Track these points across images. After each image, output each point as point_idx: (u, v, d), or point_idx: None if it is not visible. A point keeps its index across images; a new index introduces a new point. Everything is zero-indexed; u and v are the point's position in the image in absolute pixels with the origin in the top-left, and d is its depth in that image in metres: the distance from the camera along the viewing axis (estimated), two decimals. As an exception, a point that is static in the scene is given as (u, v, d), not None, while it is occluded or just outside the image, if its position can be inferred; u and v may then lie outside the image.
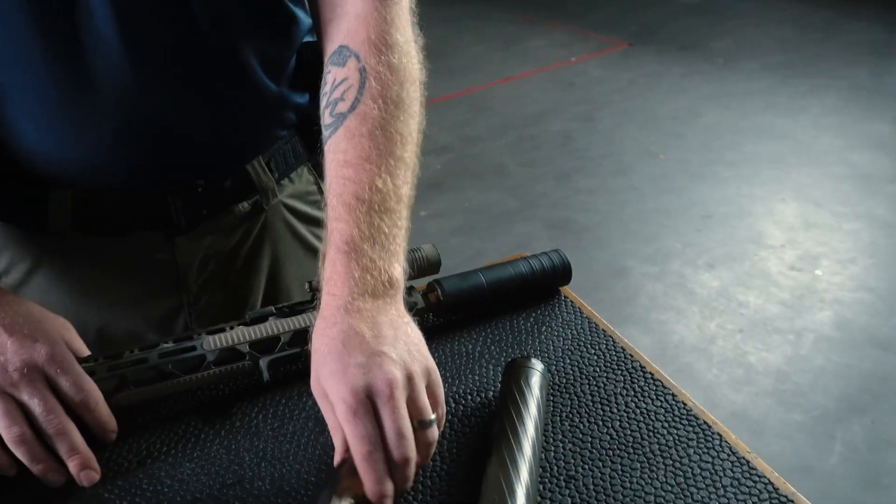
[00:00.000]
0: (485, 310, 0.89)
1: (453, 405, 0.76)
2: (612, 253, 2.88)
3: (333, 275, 0.66)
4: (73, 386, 0.67)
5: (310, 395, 0.69)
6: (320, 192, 0.99)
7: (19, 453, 0.64)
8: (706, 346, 2.39)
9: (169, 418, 0.76)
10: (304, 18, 0.89)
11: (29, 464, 0.65)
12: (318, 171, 0.99)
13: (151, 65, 0.75)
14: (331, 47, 0.77)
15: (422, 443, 0.62)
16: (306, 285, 0.82)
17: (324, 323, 0.64)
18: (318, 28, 0.82)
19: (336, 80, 0.75)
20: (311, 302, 0.81)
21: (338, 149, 0.72)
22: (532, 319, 0.88)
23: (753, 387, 2.23)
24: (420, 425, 0.61)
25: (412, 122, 0.75)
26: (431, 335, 0.85)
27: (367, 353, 0.60)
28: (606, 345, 0.84)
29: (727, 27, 5.53)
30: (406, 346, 0.63)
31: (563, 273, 0.91)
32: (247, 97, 0.84)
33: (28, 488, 0.67)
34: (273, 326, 0.79)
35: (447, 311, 0.86)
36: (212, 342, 0.76)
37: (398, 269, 0.68)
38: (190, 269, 0.90)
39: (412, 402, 0.61)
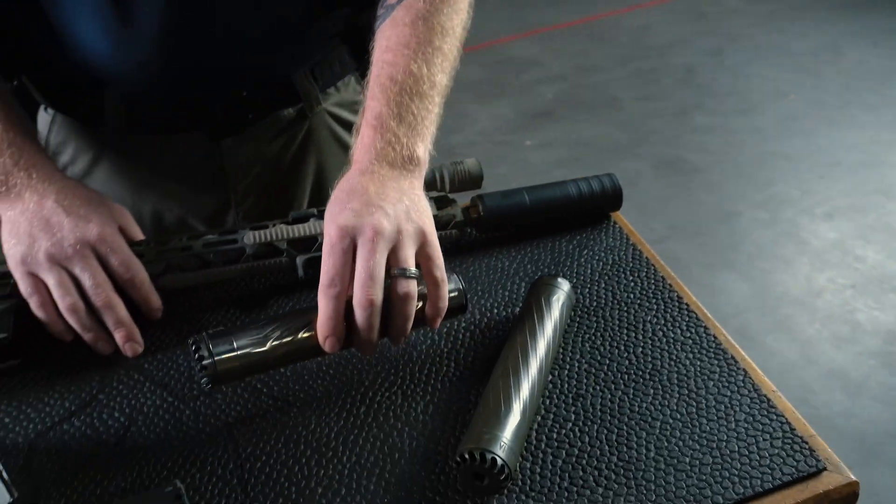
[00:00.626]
0: (527, 229, 0.89)
1: (478, 317, 0.78)
2: (721, 196, 2.77)
3: (360, 145, 0.72)
4: (122, 265, 0.73)
5: None
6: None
7: (72, 321, 0.72)
8: (811, 299, 2.29)
9: (209, 306, 0.82)
10: None
11: (80, 331, 0.72)
12: (362, 84, 1.01)
13: None
14: None
15: (397, 292, 0.64)
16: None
17: (341, 181, 0.70)
18: None
19: None
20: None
21: (382, 35, 0.79)
22: (575, 242, 0.88)
23: (858, 346, 2.12)
24: (399, 273, 0.64)
25: (455, 17, 0.81)
26: (469, 249, 0.87)
27: (364, 202, 0.66)
28: (647, 272, 0.83)
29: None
30: (406, 209, 0.67)
31: (613, 198, 0.90)
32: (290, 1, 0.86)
33: (82, 353, 0.74)
34: (313, 227, 0.82)
35: (487, 228, 0.87)
36: (252, 237, 0.81)
37: (422, 149, 0.73)
38: (235, 170, 0.95)
39: (394, 253, 0.65)
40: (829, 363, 2.07)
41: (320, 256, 0.80)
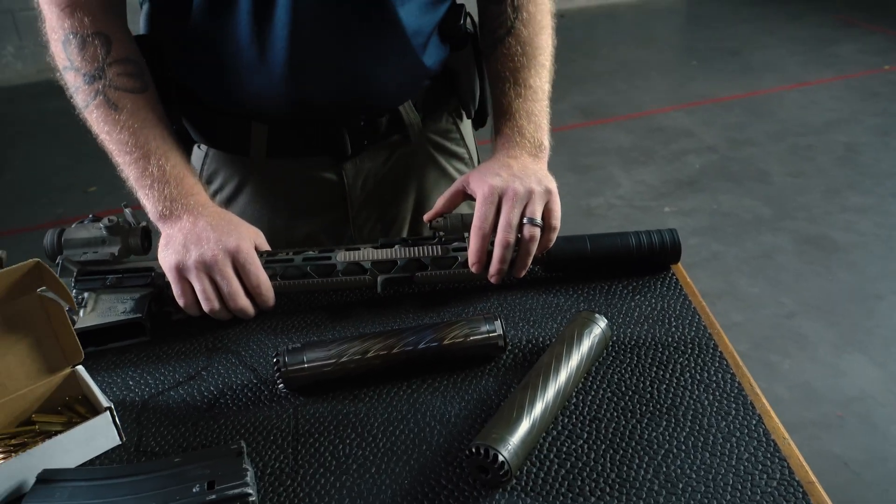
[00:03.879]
0: (588, 272, 0.95)
1: (524, 342, 0.85)
2: (862, 278, 2.61)
3: (503, 139, 0.97)
4: (252, 274, 0.88)
5: (404, 311, 0.91)
6: (458, 131, 1.15)
7: (210, 314, 0.88)
8: (948, 393, 2.10)
9: (302, 309, 0.94)
10: None
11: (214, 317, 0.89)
12: (456, 115, 1.14)
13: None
14: None
15: (526, 234, 0.87)
16: (428, 224, 0.96)
17: (491, 160, 0.95)
18: None
19: (503, 10, 1.02)
20: (432, 238, 0.94)
21: (501, 57, 1.01)
22: (630, 288, 0.92)
23: None
24: (529, 221, 0.86)
25: (547, 37, 1.04)
26: (531, 284, 0.94)
27: (509, 173, 0.89)
28: (691, 320, 0.86)
29: None
30: (538, 179, 0.89)
31: (672, 252, 0.94)
32: (401, 45, 0.99)
33: (195, 338, 0.90)
34: (395, 252, 0.93)
35: (551, 268, 0.94)
36: (344, 256, 0.93)
37: (546, 139, 0.98)
38: (353, 188, 1.09)
39: (527, 207, 0.87)
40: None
41: (398, 278, 0.92)
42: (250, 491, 0.65)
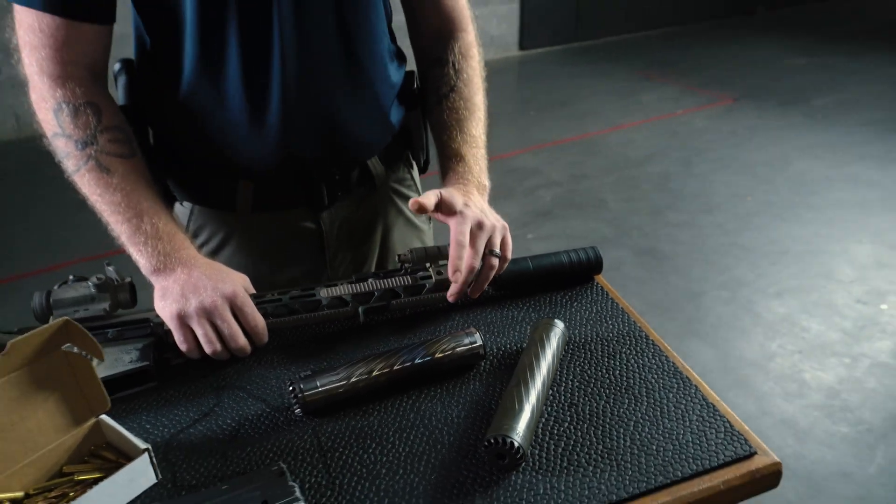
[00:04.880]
0: (532, 287, 1.01)
1: (495, 350, 0.89)
2: (689, 279, 2.87)
3: (454, 177, 1.00)
4: (249, 315, 0.86)
5: (385, 335, 0.89)
6: (412, 178, 1.18)
7: (212, 356, 0.86)
8: (765, 362, 2.35)
9: (294, 342, 0.93)
10: None
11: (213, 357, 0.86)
12: (408, 164, 1.18)
13: (312, 57, 0.93)
14: (443, 52, 1.08)
15: (487, 263, 0.91)
16: (396, 258, 0.99)
17: (454, 188, 0.97)
18: (424, 34, 1.10)
19: (446, 72, 1.07)
20: (399, 270, 0.97)
21: (446, 111, 1.06)
22: (567, 297, 0.99)
23: (805, 400, 2.17)
24: (491, 253, 0.90)
25: (482, 94, 1.10)
26: (488, 302, 0.99)
27: (475, 207, 0.93)
28: (622, 318, 0.94)
29: (831, 86, 5.28)
30: (495, 216, 0.94)
31: (596, 265, 1.02)
32: (373, 104, 1.02)
33: (201, 378, 0.87)
34: (370, 285, 0.95)
35: (501, 286, 1.00)
36: (326, 292, 0.94)
37: (486, 180, 1.02)
38: (330, 234, 1.09)
39: (490, 240, 0.91)
40: (780, 414, 2.12)
41: (377, 307, 0.94)
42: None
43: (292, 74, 0.92)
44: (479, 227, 0.89)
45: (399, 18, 1.11)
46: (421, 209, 0.88)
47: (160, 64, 0.97)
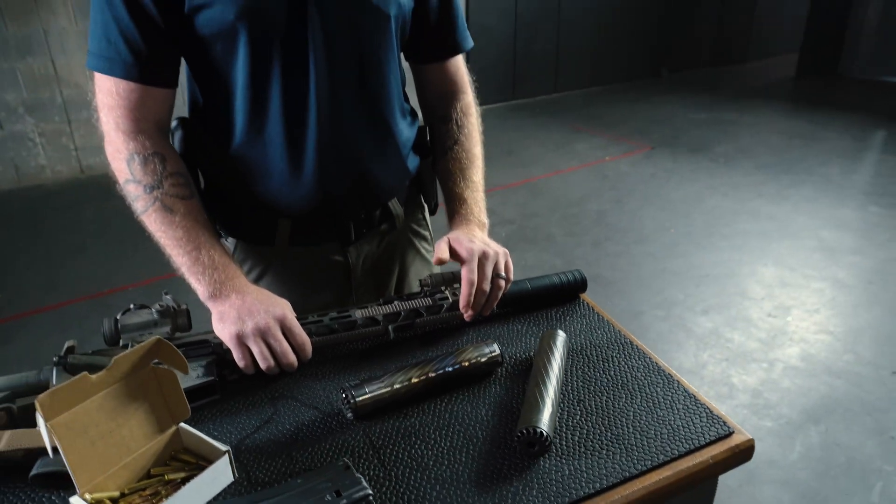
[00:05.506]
0: (530, 304, 1.07)
1: (508, 358, 0.93)
2: (630, 301, 2.98)
3: (461, 219, 1.05)
4: (297, 335, 0.88)
5: (412, 349, 0.92)
6: (424, 219, 1.23)
7: (266, 371, 0.87)
8: (699, 370, 2.45)
9: (333, 358, 0.96)
10: None
11: (266, 372, 0.88)
12: (421, 207, 1.22)
13: (342, 110, 0.97)
14: (447, 111, 1.14)
15: (495, 286, 0.95)
16: (418, 282, 1.03)
17: (458, 229, 1.03)
18: (431, 96, 1.16)
19: (450, 128, 1.13)
20: (420, 293, 1.01)
21: (452, 160, 1.11)
22: (561, 312, 1.05)
23: (734, 400, 2.27)
24: (498, 276, 0.96)
25: (480, 146, 1.16)
26: (495, 318, 1.04)
27: (479, 241, 0.98)
28: (609, 329, 1.00)
29: (728, 135, 5.60)
30: (496, 245, 0.99)
31: (582, 284, 1.08)
32: (395, 154, 1.07)
33: (258, 391, 0.88)
34: (397, 306, 0.99)
35: (505, 304, 1.05)
36: (360, 313, 0.97)
37: (486, 219, 1.08)
38: (356, 266, 1.12)
39: (495, 266, 0.95)
40: (718, 413, 2.21)
41: (404, 325, 0.97)
42: (370, 492, 0.68)
43: (326, 128, 0.97)
44: (484, 256, 0.95)
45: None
46: (441, 261, 0.95)
47: (211, 120, 1.00)
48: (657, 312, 2.86)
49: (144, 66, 0.88)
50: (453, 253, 0.96)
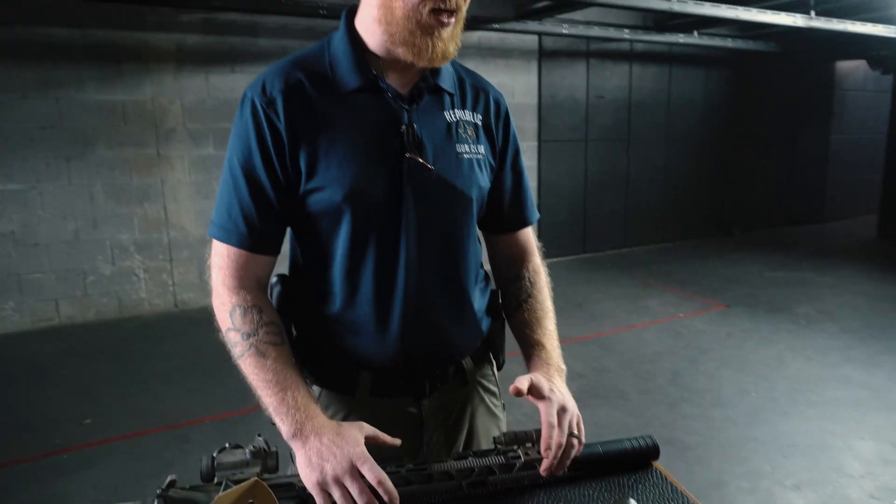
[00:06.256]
0: (600, 469, 1.07)
1: (579, 524, 0.94)
2: (710, 470, 2.80)
3: (541, 363, 1.12)
4: (372, 473, 0.92)
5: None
6: (493, 375, 1.29)
7: None
8: (793, 553, 2.23)
9: (410, 509, 0.99)
10: None
11: None
12: (490, 364, 1.28)
13: (426, 283, 1.09)
14: (519, 271, 1.24)
15: (570, 444, 1.00)
16: (492, 440, 1.07)
17: (543, 370, 1.10)
18: (504, 260, 1.27)
19: (523, 284, 1.22)
20: (493, 451, 1.05)
21: (528, 310, 1.20)
22: (633, 479, 1.05)
23: None
24: (574, 436, 1.01)
25: (550, 302, 1.25)
26: (566, 481, 1.05)
27: (559, 392, 1.04)
28: (682, 501, 0.99)
29: (809, 296, 5.45)
30: (573, 402, 1.05)
31: (654, 451, 1.09)
32: (470, 318, 1.16)
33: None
34: (471, 462, 1.02)
35: (576, 467, 1.06)
36: (436, 467, 1.01)
37: (563, 364, 1.14)
38: (429, 418, 1.17)
39: (571, 423, 1.02)
40: None
41: (477, 481, 1.00)
42: None
43: (411, 295, 1.08)
44: (563, 410, 0.99)
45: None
46: (518, 393, 0.99)
47: (308, 279, 1.14)
48: (742, 484, 2.67)
49: (255, 238, 1.05)
50: (532, 391, 1.01)
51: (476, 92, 1.16)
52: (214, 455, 1.00)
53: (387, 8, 0.98)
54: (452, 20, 0.99)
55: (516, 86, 6.68)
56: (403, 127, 1.05)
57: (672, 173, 7.89)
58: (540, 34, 6.48)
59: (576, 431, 1.00)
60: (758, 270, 6.43)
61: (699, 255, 7.29)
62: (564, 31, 6.31)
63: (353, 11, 1.08)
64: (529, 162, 6.85)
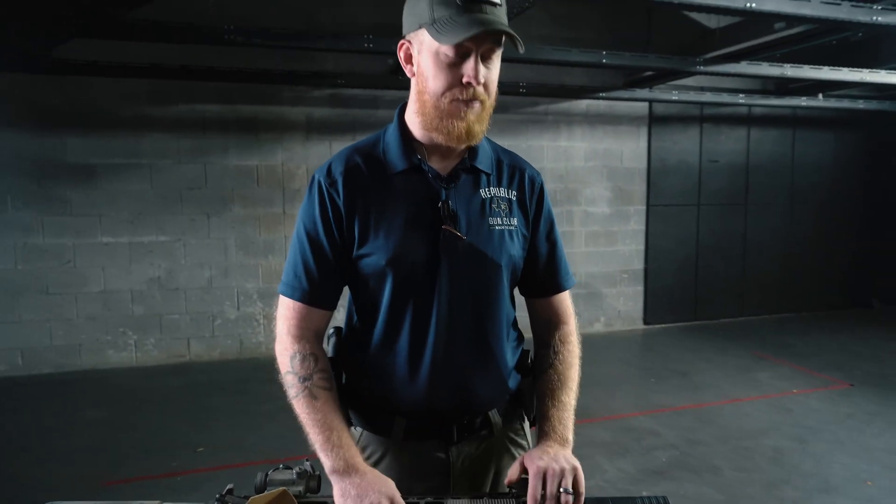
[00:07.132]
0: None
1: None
2: (807, 558, 2.59)
3: (546, 434, 1.21)
4: None
5: None
6: (523, 429, 1.37)
7: None
8: None
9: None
10: None
11: None
12: (521, 419, 1.36)
13: (458, 336, 1.22)
14: (548, 338, 1.31)
15: (562, 500, 1.07)
16: (505, 482, 1.16)
17: (542, 444, 1.20)
18: (538, 323, 1.37)
19: (548, 353, 1.30)
20: (508, 494, 1.14)
21: (547, 380, 1.28)
22: (640, 535, 1.09)
23: None
24: (564, 490, 1.08)
25: (576, 370, 1.31)
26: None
27: (548, 457, 1.13)
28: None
29: (956, 381, 4.85)
30: (566, 459, 1.14)
31: (666, 512, 1.12)
32: (497, 374, 1.28)
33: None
34: (486, 502, 1.12)
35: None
36: (452, 502, 1.12)
37: (570, 435, 1.22)
38: (455, 464, 1.29)
39: (563, 480, 1.09)
40: None
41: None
42: None
43: (440, 349, 1.22)
44: (548, 473, 1.10)
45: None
46: (510, 481, 1.12)
47: (358, 332, 1.31)
48: (839, 581, 2.44)
49: (315, 294, 1.24)
50: (525, 471, 1.11)
51: (512, 171, 1.31)
52: (268, 472, 1.18)
53: (421, 102, 1.18)
54: (476, 104, 1.15)
55: (624, 150, 6.70)
56: (440, 203, 1.22)
57: (796, 240, 7.41)
58: (650, 101, 6.50)
59: (569, 487, 1.06)
60: (894, 348, 5.82)
61: (827, 327, 6.72)
62: (675, 98, 6.29)
63: (404, 106, 1.28)
64: (637, 226, 6.77)
